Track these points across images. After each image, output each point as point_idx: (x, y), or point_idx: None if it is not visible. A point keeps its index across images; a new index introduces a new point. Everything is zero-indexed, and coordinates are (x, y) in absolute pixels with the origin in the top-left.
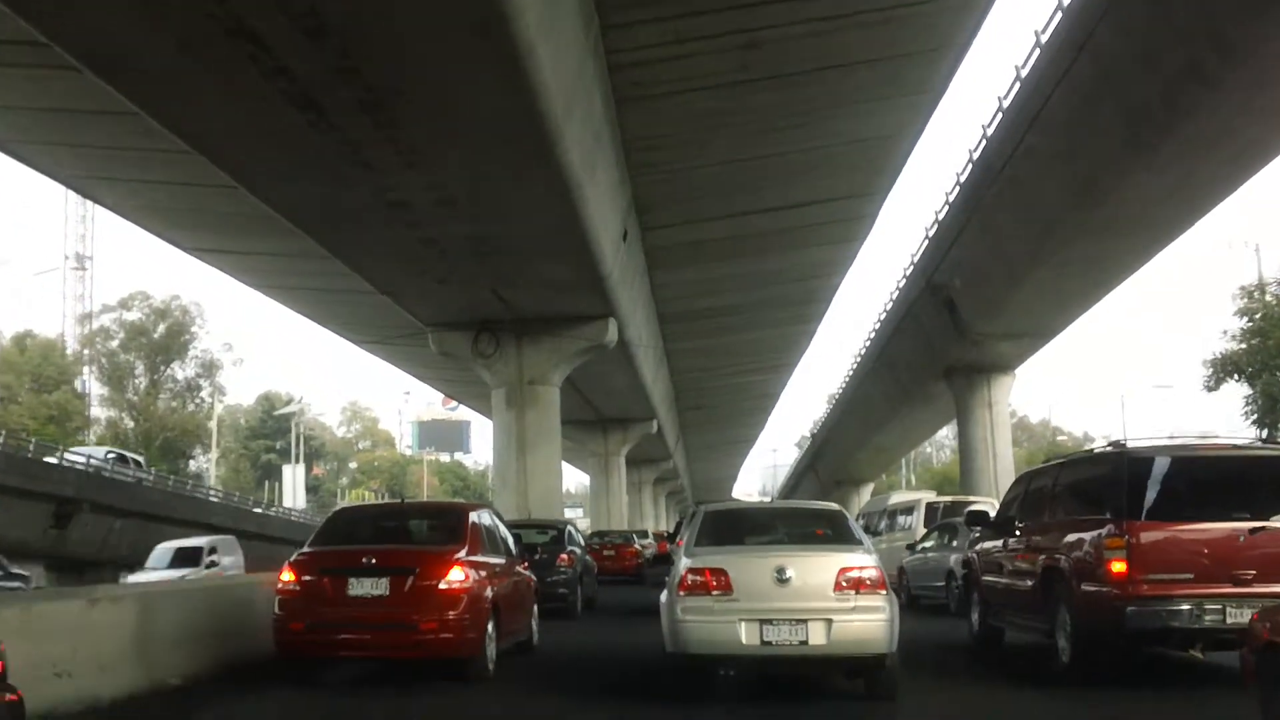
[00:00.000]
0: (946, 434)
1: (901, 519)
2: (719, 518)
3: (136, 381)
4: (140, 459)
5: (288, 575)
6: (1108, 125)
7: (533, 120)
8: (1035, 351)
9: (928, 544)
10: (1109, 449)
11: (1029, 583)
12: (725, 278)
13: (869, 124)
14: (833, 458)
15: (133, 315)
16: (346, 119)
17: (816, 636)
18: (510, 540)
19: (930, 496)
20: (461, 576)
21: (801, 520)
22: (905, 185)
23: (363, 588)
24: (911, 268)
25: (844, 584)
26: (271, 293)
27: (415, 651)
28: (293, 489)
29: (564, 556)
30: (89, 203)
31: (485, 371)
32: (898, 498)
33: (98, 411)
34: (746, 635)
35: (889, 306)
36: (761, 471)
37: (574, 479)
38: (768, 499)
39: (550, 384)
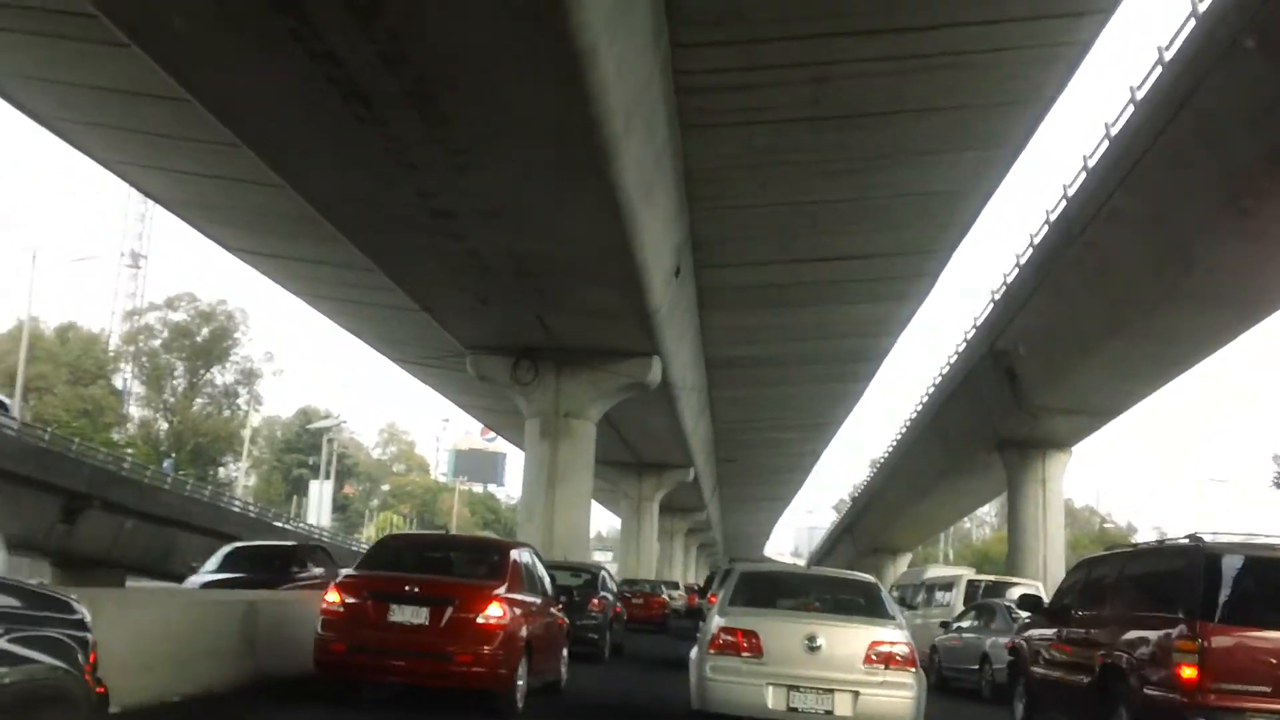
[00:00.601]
0: (988, 511)
1: (940, 595)
2: (754, 579)
3: (175, 383)
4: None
5: (333, 596)
6: (1203, 189)
7: (589, 127)
8: (1096, 429)
9: (964, 624)
10: (1184, 541)
11: (1084, 679)
12: (776, 327)
13: (939, 176)
14: (871, 524)
15: (178, 316)
16: (393, 112)
17: (843, 708)
18: (547, 581)
19: (970, 574)
20: (499, 612)
21: (836, 589)
22: (972, 244)
23: (403, 615)
24: (973, 332)
25: (874, 658)
26: (313, 301)
27: (449, 681)
28: (318, 505)
29: (596, 601)
30: (149, 202)
31: (521, 399)
32: (934, 572)
33: (132, 410)
34: (773, 700)
35: (945, 371)
36: (796, 532)
37: (607, 522)
38: (800, 560)
39: (587, 418)
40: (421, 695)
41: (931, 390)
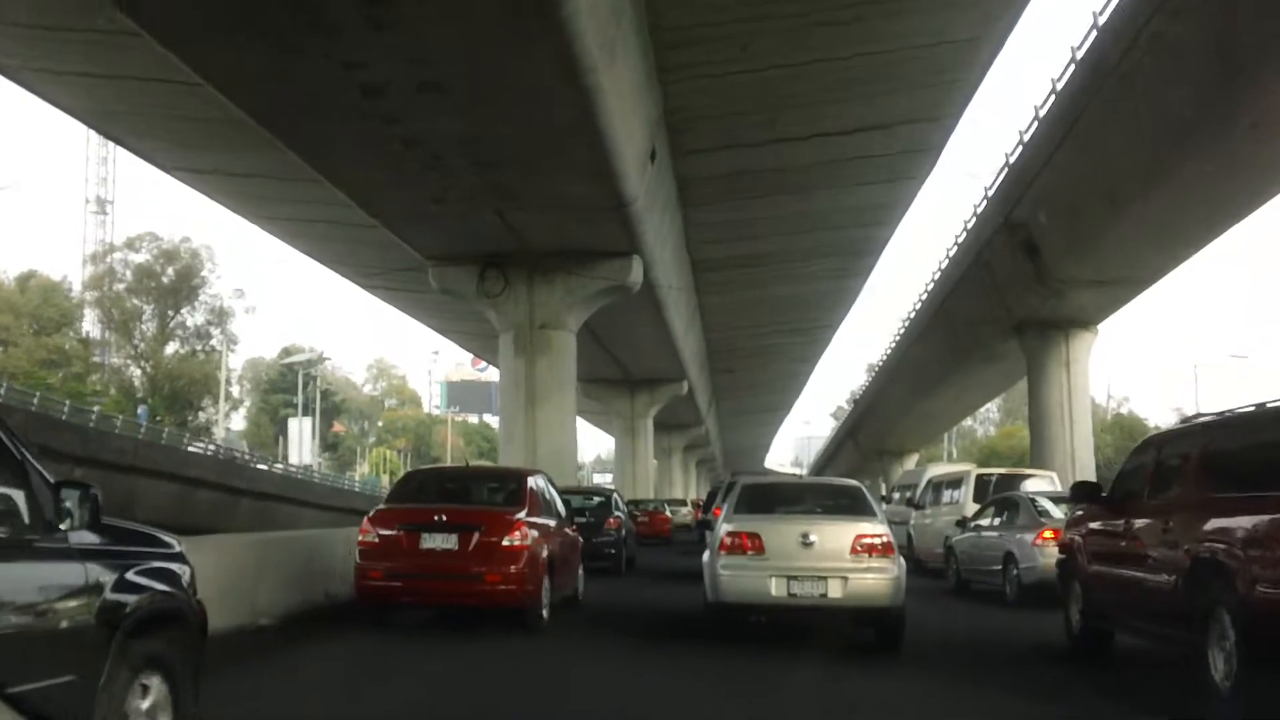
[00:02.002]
0: (990, 409)
1: (947, 493)
2: (755, 490)
3: (144, 327)
4: None
5: (367, 528)
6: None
7: None
8: (1124, 304)
9: (983, 521)
10: None
11: (1167, 577)
12: (766, 220)
13: (946, 19)
14: (875, 427)
15: (140, 257)
16: None
17: (834, 591)
18: (560, 503)
19: (975, 469)
20: (522, 535)
21: (825, 494)
22: (977, 113)
23: (434, 541)
24: (984, 204)
25: (859, 548)
26: (261, 223)
27: (479, 600)
28: (299, 443)
29: (611, 520)
30: (109, 145)
31: (492, 313)
32: (936, 470)
33: (103, 358)
34: (776, 588)
35: (952, 253)
36: (795, 443)
37: (605, 444)
38: (802, 470)
39: (565, 328)
40: (451, 617)
41: (937, 277)
